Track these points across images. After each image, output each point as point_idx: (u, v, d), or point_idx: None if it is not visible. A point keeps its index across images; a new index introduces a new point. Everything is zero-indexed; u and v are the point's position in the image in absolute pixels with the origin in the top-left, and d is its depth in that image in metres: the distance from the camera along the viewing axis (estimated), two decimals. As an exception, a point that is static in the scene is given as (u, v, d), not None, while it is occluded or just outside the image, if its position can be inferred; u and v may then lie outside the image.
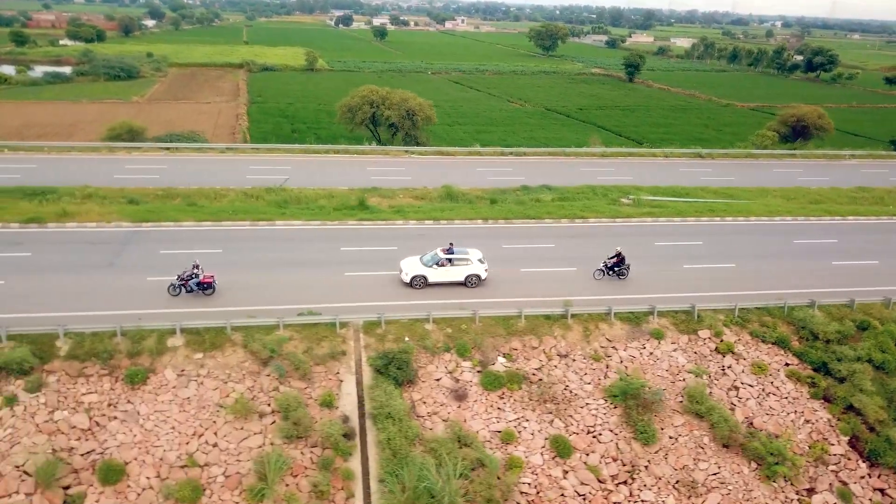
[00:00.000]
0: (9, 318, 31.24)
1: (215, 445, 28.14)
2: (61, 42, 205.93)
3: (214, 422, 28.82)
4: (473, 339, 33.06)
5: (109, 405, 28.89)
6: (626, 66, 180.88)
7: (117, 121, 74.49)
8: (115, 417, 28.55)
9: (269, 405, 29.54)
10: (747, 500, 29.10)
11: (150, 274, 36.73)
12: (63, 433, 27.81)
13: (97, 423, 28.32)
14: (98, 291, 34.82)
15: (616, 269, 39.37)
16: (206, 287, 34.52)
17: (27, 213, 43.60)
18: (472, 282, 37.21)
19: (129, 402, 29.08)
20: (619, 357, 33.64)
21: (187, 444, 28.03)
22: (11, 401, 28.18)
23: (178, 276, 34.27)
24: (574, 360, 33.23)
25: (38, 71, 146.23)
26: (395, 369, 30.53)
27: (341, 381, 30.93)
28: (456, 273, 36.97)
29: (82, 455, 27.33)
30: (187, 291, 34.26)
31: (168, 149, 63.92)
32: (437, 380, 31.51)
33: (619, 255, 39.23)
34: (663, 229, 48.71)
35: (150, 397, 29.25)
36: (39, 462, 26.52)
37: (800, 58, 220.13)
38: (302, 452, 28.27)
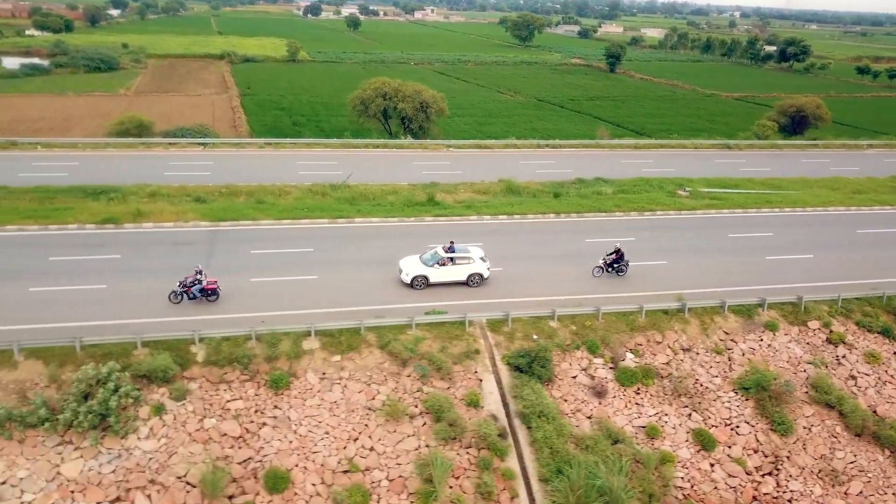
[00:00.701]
0: (138, 324, 30.27)
1: (372, 449, 27.76)
2: (27, 32, 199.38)
3: (367, 425, 28.41)
4: (601, 336, 33.16)
5: (257, 411, 28.23)
6: (607, 57, 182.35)
7: (125, 114, 72.06)
8: (265, 424, 27.92)
9: (416, 406, 29.21)
10: (887, 487, 29.88)
11: (251, 275, 35.97)
12: (216, 441, 27.11)
13: (247, 430, 27.67)
14: (208, 294, 33.91)
15: (615, 265, 38.63)
16: (209, 293, 32.82)
17: (100, 214, 42.25)
18: (474, 281, 36.24)
19: (276, 407, 28.45)
20: (739, 350, 34.11)
21: (345, 448, 27.58)
22: (160, 409, 27.35)
23: (181, 283, 32.48)
24: (698, 354, 33.60)
25: (11, 62, 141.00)
26: (538, 367, 30.45)
27: (480, 380, 30.74)
28: (458, 272, 35.98)
29: (239, 463, 26.68)
30: (189, 298, 32.55)
31: (204, 145, 62.43)
32: (574, 377, 31.55)
33: (618, 251, 38.54)
34: (730, 221, 49.43)
35: (297, 402, 28.67)
36: (202, 472, 25.83)
37: (772, 48, 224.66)
38: (458, 453, 28.05)
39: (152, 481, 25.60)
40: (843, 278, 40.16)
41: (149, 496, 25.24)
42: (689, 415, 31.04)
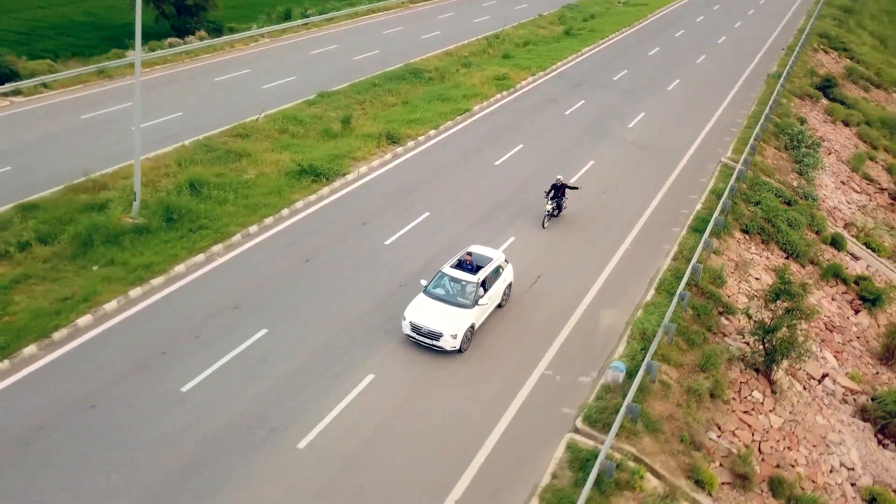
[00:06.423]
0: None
1: None
2: None
3: None
4: None
5: None
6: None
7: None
8: None
9: None
10: None
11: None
12: None
13: None
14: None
15: (558, 205, 29.30)
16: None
17: (482, 86, 48.36)
18: (506, 296, 24.61)
19: None
20: None
21: None
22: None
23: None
24: None
25: None
26: None
27: None
28: (496, 294, 23.62)
29: None
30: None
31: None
32: None
33: (559, 186, 29.11)
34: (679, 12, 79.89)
35: None
36: None
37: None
38: None
39: None
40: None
41: None
42: None
